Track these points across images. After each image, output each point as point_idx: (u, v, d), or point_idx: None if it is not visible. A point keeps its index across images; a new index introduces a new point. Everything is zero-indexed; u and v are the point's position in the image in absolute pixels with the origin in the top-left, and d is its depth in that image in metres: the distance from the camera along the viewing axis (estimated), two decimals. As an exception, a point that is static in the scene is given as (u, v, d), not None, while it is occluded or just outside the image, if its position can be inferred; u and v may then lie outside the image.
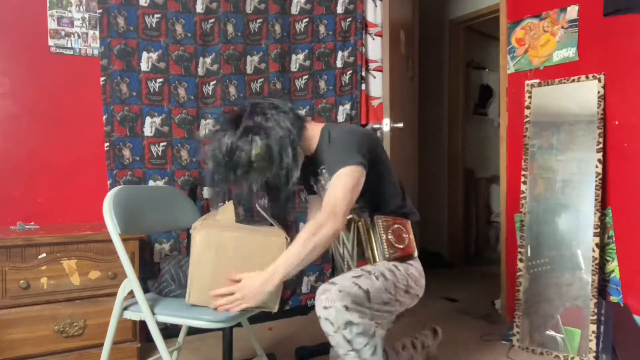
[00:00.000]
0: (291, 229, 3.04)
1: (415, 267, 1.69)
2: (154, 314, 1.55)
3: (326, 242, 1.46)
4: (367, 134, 1.68)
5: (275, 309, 1.51)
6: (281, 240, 1.51)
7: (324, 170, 1.65)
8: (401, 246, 1.66)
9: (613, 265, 2.31)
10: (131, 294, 1.58)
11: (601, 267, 2.32)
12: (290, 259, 1.44)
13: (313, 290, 3.10)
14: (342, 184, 1.48)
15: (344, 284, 1.49)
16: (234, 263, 1.49)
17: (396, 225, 1.66)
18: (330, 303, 1.44)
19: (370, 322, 1.51)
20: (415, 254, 1.70)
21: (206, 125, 2.80)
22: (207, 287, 1.48)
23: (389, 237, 1.63)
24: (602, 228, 2.33)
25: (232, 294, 1.45)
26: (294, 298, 3.05)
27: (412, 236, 1.70)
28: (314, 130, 1.65)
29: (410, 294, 1.66)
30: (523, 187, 2.57)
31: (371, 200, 1.66)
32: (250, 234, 1.52)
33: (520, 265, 2.51)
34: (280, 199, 1.60)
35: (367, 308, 1.51)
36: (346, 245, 1.72)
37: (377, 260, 1.64)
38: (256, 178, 1.52)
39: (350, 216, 1.65)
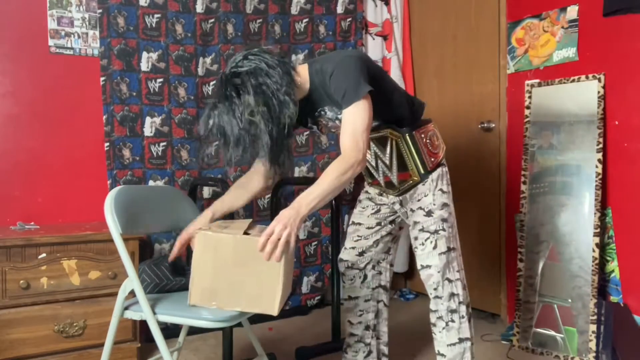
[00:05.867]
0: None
1: (447, 177, 1.79)
2: (155, 313, 1.54)
3: (352, 178, 1.51)
4: (359, 55, 1.65)
5: (276, 312, 1.50)
6: None
7: (322, 112, 1.67)
8: (436, 151, 1.77)
9: (613, 265, 2.31)
10: (132, 293, 1.58)
11: (601, 267, 2.33)
12: (322, 193, 1.45)
13: (313, 290, 3.10)
14: (359, 119, 1.50)
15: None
16: (235, 264, 1.49)
17: (430, 132, 1.77)
18: None
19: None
20: (442, 153, 1.81)
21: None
22: (208, 288, 1.49)
23: (429, 147, 1.75)
24: (602, 228, 2.33)
25: (269, 238, 1.37)
26: (294, 298, 3.05)
27: (438, 133, 1.82)
28: (303, 74, 1.60)
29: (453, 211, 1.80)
30: (523, 187, 2.57)
31: (385, 114, 1.70)
32: (250, 236, 1.52)
33: (520, 265, 2.51)
34: (282, 152, 1.55)
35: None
36: (382, 158, 1.82)
37: (421, 170, 1.75)
38: (263, 135, 1.46)
39: (384, 132, 1.76)
